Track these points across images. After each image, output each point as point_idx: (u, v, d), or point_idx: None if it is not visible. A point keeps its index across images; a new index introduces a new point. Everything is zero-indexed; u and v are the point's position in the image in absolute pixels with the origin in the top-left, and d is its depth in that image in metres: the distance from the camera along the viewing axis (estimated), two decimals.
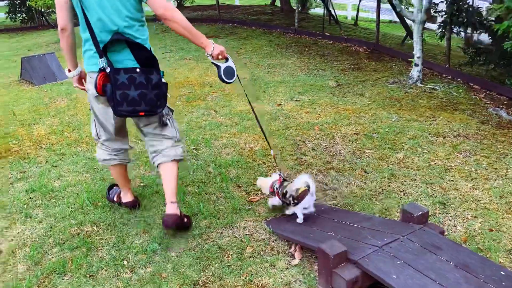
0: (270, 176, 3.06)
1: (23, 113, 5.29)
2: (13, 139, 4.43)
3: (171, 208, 2.66)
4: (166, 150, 2.73)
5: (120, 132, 2.79)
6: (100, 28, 2.41)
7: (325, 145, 4.12)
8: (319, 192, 3.27)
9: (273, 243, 2.66)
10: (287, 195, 2.73)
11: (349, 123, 4.62)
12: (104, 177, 3.54)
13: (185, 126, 4.71)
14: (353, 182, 3.42)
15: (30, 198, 3.24)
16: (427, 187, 3.31)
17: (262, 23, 11.16)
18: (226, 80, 2.61)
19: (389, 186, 3.35)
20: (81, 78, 2.73)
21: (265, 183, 3.01)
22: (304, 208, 2.70)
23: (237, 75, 2.65)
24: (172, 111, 2.81)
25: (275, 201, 2.92)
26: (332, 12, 10.48)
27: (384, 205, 3.07)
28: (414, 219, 2.41)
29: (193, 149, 4.10)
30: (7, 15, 15.13)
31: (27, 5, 13.35)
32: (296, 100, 5.43)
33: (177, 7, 15.93)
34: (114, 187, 3.18)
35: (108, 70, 2.42)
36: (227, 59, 2.59)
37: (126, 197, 3.05)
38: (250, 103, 3.03)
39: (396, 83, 6.12)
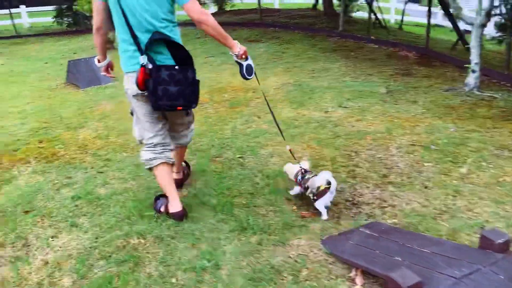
0: (299, 163, 3.21)
1: (69, 117, 5.31)
2: (59, 143, 4.41)
3: (177, 176, 3.29)
4: (183, 137, 3.14)
5: (162, 129, 2.92)
6: (139, 29, 2.60)
7: (380, 157, 3.86)
8: (377, 209, 3.04)
9: (330, 266, 2.45)
10: (308, 190, 2.94)
11: (404, 133, 4.34)
12: (150, 185, 3.43)
13: (230, 133, 4.57)
14: (414, 199, 3.16)
15: (76, 205, 3.17)
16: (498, 207, 3.00)
17: (305, 27, 10.93)
18: (247, 76, 2.90)
19: (455, 204, 3.06)
20: (108, 67, 3.01)
21: (291, 169, 3.21)
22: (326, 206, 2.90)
23: (255, 72, 2.94)
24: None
25: (297, 190, 3.14)
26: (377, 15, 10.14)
27: (451, 226, 2.79)
28: (495, 246, 2.14)
29: (239, 157, 3.94)
30: (54, 19, 15.59)
31: (74, 10, 13.67)
32: (344, 107, 5.18)
33: (218, 11, 15.99)
34: (161, 198, 3.09)
35: (150, 66, 2.60)
36: (247, 58, 2.87)
37: (173, 207, 2.93)
38: (265, 98, 3.50)
39: (451, 90, 5.76)
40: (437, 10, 14.53)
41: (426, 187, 3.32)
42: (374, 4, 10.04)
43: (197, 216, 2.97)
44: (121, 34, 2.67)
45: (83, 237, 2.79)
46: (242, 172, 3.63)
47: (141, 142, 2.96)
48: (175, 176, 3.26)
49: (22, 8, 18.37)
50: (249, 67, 2.87)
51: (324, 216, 2.90)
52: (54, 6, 16.13)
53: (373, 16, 10.28)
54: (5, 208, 3.15)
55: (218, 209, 3.04)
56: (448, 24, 12.16)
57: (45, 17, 17.13)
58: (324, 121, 4.75)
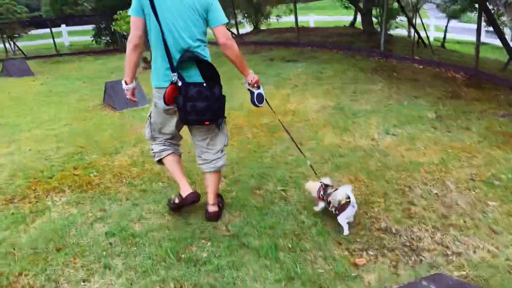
0: (319, 180, 3.25)
1: (105, 141, 5.20)
2: (94, 170, 4.27)
3: (213, 208, 3.18)
4: (213, 161, 3.10)
5: (176, 135, 3.16)
6: (175, 47, 2.75)
7: (436, 193, 3.51)
8: (440, 257, 2.70)
9: None
10: (331, 205, 3.02)
11: (461, 165, 3.97)
12: (188, 221, 3.20)
13: (270, 161, 4.31)
14: (481, 246, 2.79)
15: (110, 243, 2.97)
16: None
17: (343, 46, 10.64)
18: (257, 104, 3.06)
19: None
20: (133, 91, 3.07)
21: (313, 187, 3.27)
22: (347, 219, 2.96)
23: (265, 99, 3.11)
24: (225, 117, 3.09)
25: (322, 205, 3.17)
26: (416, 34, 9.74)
27: None
28: None
29: (281, 190, 3.67)
30: (92, 38, 15.95)
31: (112, 29, 13.92)
32: (392, 134, 4.84)
33: (254, 29, 15.93)
34: (172, 197, 3.32)
35: (179, 83, 2.75)
36: (259, 87, 3.04)
37: (185, 191, 3.14)
38: (279, 120, 3.66)
39: (507, 116, 5.33)
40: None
41: (494, 232, 2.95)
42: (414, 21, 9.65)
43: (238, 261, 2.71)
44: (155, 51, 2.81)
45: (117, 282, 2.57)
46: (286, 208, 3.36)
47: (151, 138, 3.18)
48: (211, 208, 3.19)
49: (63, 27, 18.96)
50: (260, 95, 3.05)
51: (346, 231, 2.95)
52: (93, 26, 16.54)
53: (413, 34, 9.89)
54: (37, 245, 2.98)
55: (261, 253, 2.77)
56: (492, 41, 11.63)
57: (84, 36, 17.58)
58: (371, 150, 4.43)
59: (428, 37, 9.63)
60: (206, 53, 2.87)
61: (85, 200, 3.64)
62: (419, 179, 3.74)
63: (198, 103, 2.78)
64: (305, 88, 7.23)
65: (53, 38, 16.48)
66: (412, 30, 10.60)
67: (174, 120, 3.01)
